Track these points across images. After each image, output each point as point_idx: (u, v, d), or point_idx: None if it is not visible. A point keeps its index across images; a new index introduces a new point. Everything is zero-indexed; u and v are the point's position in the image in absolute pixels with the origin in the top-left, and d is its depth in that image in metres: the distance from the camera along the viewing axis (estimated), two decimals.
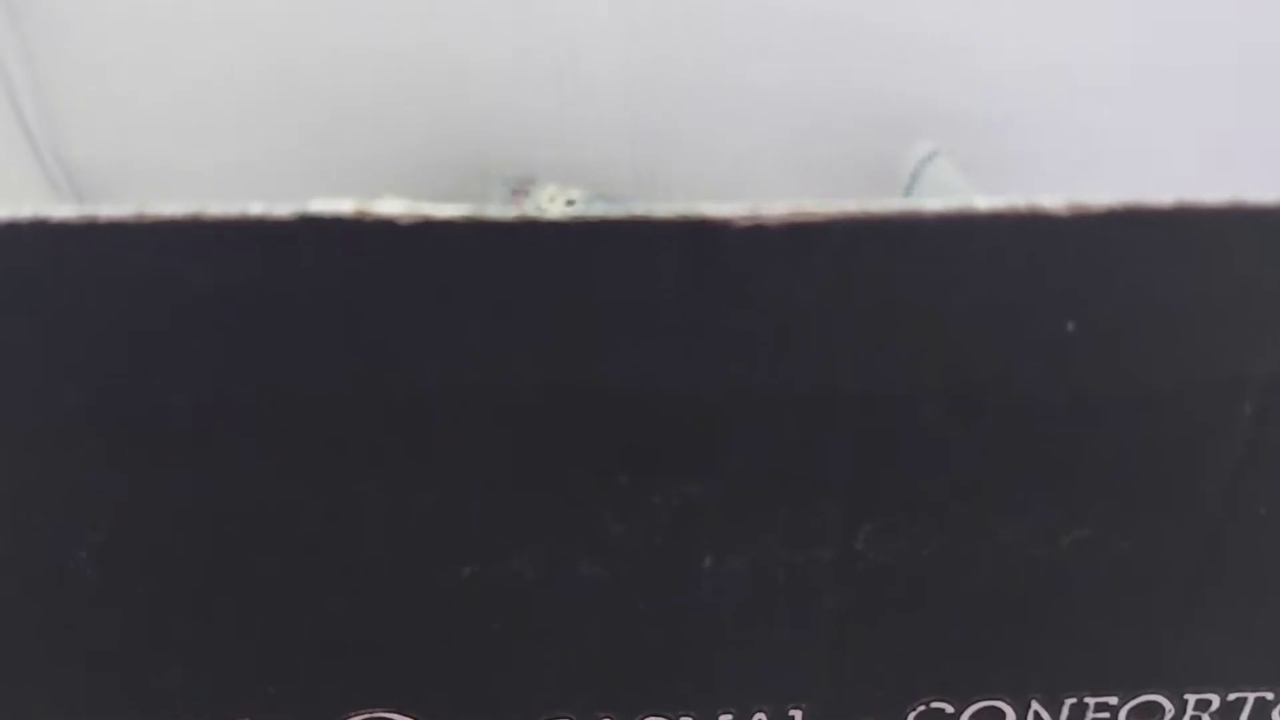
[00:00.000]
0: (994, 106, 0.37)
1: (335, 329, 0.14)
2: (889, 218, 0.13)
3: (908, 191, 0.35)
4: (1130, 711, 0.20)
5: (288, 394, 0.15)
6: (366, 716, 0.18)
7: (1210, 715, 0.20)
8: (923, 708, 0.19)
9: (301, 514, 0.16)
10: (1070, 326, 0.15)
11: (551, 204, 0.34)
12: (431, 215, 0.13)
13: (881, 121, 0.37)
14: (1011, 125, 0.37)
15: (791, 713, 0.19)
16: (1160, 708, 0.20)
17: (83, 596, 0.17)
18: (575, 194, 0.33)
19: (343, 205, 0.13)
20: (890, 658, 0.18)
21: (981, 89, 0.37)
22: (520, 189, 0.35)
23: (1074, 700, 0.19)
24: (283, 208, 0.13)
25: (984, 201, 0.13)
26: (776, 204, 0.13)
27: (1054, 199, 0.13)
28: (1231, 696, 0.20)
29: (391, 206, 0.13)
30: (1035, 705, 0.19)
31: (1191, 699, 0.20)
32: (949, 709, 0.19)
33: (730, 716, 0.19)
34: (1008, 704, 0.19)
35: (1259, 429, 0.16)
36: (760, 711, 0.19)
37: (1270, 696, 0.20)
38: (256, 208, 0.13)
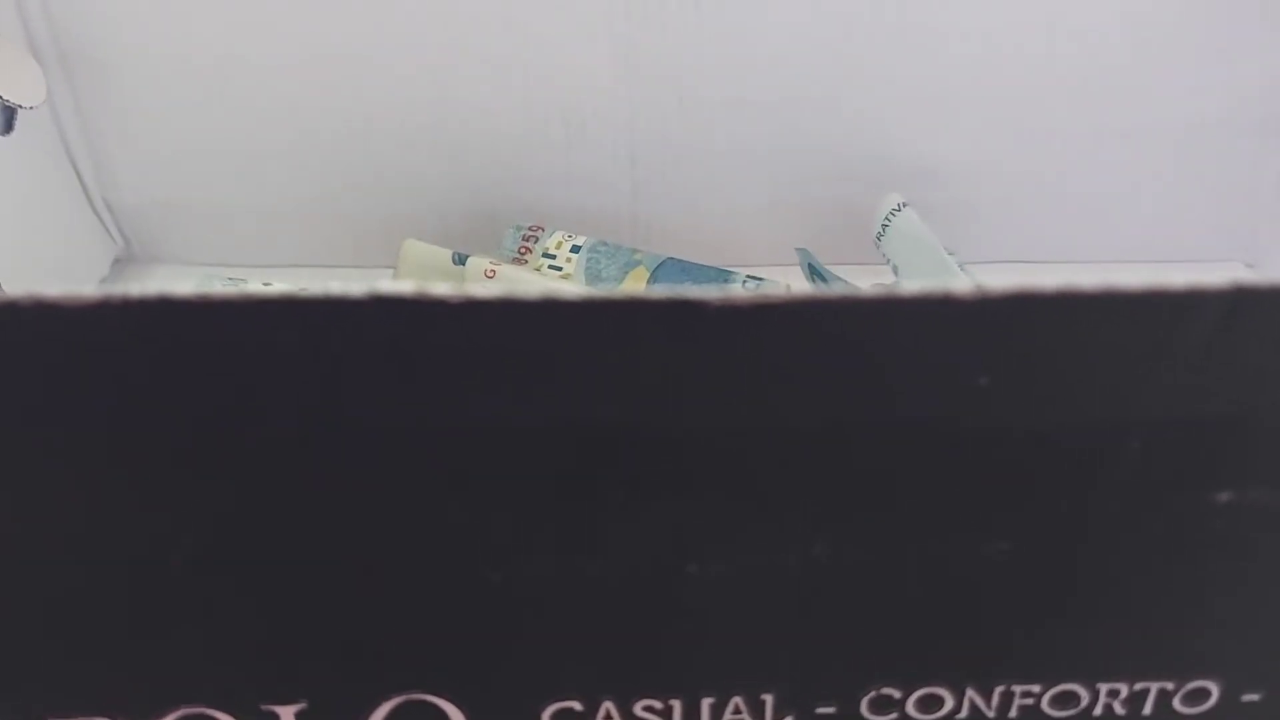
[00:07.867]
0: (955, 161, 0.40)
1: (396, 380, 0.18)
2: (820, 300, 0.16)
3: (879, 238, 0.38)
4: (1051, 699, 0.22)
5: (356, 432, 0.18)
6: (406, 698, 0.21)
7: (1120, 702, 0.22)
8: (874, 693, 0.21)
9: (360, 529, 0.19)
10: (984, 380, 0.18)
11: (559, 249, 0.37)
12: (473, 295, 0.17)
13: (856, 176, 0.40)
14: (971, 178, 0.40)
15: (763, 697, 0.21)
16: (1077, 696, 0.22)
17: (172, 592, 0.19)
18: (580, 240, 0.37)
19: (405, 287, 0.17)
20: (845, 650, 0.21)
21: (945, 146, 0.40)
22: (530, 235, 0.38)
23: (1003, 688, 0.22)
24: (358, 289, 0.17)
25: (912, 287, 0.17)
26: (746, 289, 0.16)
27: (962, 284, 0.17)
28: (1138, 686, 0.22)
29: (442, 288, 0.17)
30: (970, 692, 0.22)
31: (1103, 688, 0.22)
32: (896, 694, 0.21)
33: (712, 699, 0.21)
34: (946, 690, 0.22)
35: (1146, 461, 0.20)
36: (737, 696, 0.21)
37: (1170, 687, 0.22)
38: (337, 288, 0.17)
